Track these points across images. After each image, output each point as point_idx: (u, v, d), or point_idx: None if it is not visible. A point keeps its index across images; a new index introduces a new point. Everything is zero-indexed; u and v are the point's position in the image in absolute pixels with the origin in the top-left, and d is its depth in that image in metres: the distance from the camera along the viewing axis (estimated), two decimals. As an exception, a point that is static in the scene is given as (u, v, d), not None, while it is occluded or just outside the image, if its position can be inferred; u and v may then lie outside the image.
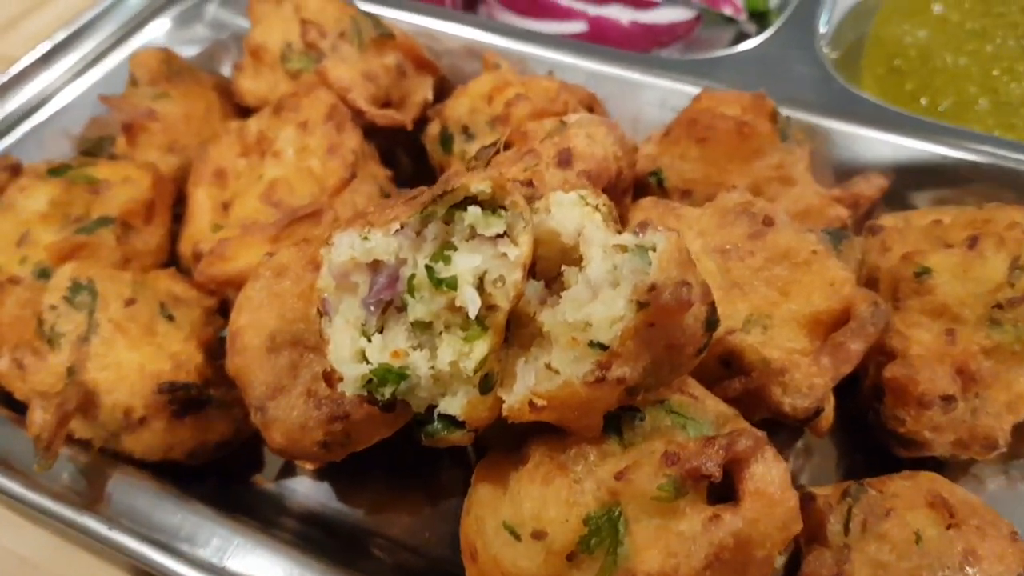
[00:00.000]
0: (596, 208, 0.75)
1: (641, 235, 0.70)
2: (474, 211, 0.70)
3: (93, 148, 1.21)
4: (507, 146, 0.94)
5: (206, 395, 0.86)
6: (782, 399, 0.80)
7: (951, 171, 1.07)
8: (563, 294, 0.71)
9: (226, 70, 1.35)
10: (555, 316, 0.71)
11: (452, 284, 0.70)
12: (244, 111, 1.17)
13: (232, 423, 0.88)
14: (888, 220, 0.96)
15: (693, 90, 1.17)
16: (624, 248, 0.71)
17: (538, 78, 1.13)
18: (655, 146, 1.04)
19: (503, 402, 0.70)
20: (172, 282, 0.94)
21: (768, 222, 0.87)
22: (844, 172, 1.11)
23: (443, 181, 0.74)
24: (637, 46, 1.38)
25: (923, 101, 1.21)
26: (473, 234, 0.71)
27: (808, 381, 0.80)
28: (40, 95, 1.25)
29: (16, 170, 1.04)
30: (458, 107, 1.09)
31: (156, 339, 0.87)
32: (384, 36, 1.13)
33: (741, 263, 0.85)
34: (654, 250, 0.69)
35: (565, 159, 0.88)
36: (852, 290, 0.82)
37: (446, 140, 1.10)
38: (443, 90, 1.24)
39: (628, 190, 0.95)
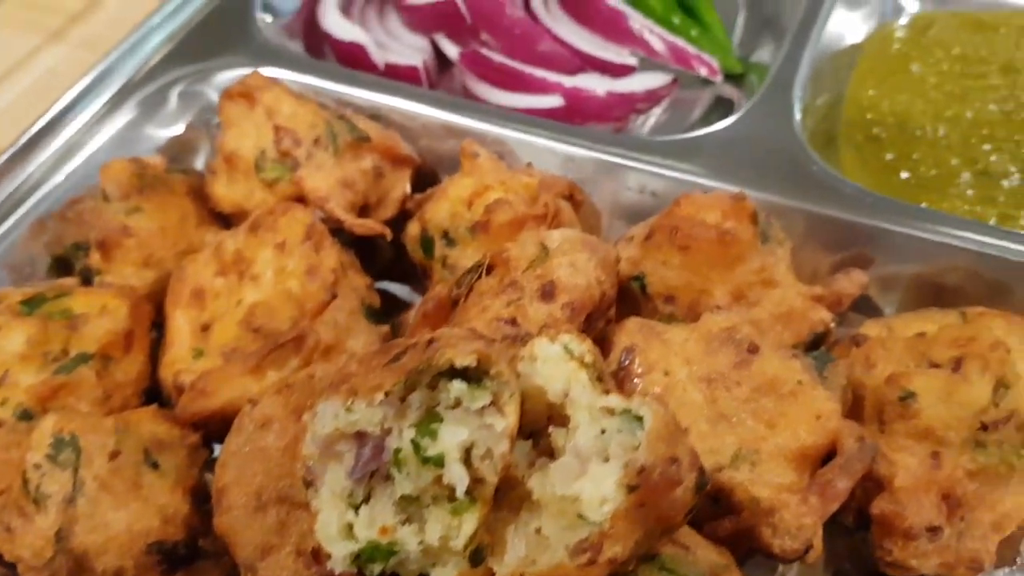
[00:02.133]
0: (582, 362, 0.74)
1: (629, 400, 0.70)
2: (459, 386, 0.70)
3: (67, 254, 1.19)
4: (490, 268, 0.94)
5: (195, 548, 0.86)
6: (772, 540, 0.81)
7: (931, 256, 1.08)
8: (551, 465, 0.71)
9: (199, 160, 1.33)
10: (544, 486, 0.71)
11: (439, 461, 0.70)
12: (220, 213, 1.16)
13: (223, 572, 0.88)
14: (872, 329, 0.96)
15: (672, 173, 1.17)
16: (611, 411, 0.71)
17: (518, 174, 1.11)
18: (637, 249, 1.03)
19: (494, 572, 0.71)
20: (155, 423, 0.93)
21: (753, 349, 0.87)
22: (828, 261, 1.11)
23: (427, 348, 0.73)
24: (615, 115, 1.37)
25: (904, 175, 1.20)
26: (458, 403, 0.71)
27: (797, 522, 0.81)
28: (13, 196, 1.24)
29: (-12, 302, 1.02)
30: (438, 211, 1.08)
31: (142, 492, 0.87)
32: (360, 139, 1.11)
33: (728, 393, 0.85)
34: (641, 420, 0.69)
35: (548, 292, 0.87)
36: (838, 423, 0.82)
37: (427, 244, 1.09)
38: (421, 175, 1.23)
39: (611, 306, 0.95)
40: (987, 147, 1.20)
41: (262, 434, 0.85)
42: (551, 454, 0.73)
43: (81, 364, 0.97)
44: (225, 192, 1.13)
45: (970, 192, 1.16)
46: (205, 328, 1.03)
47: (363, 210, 1.13)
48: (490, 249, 1.05)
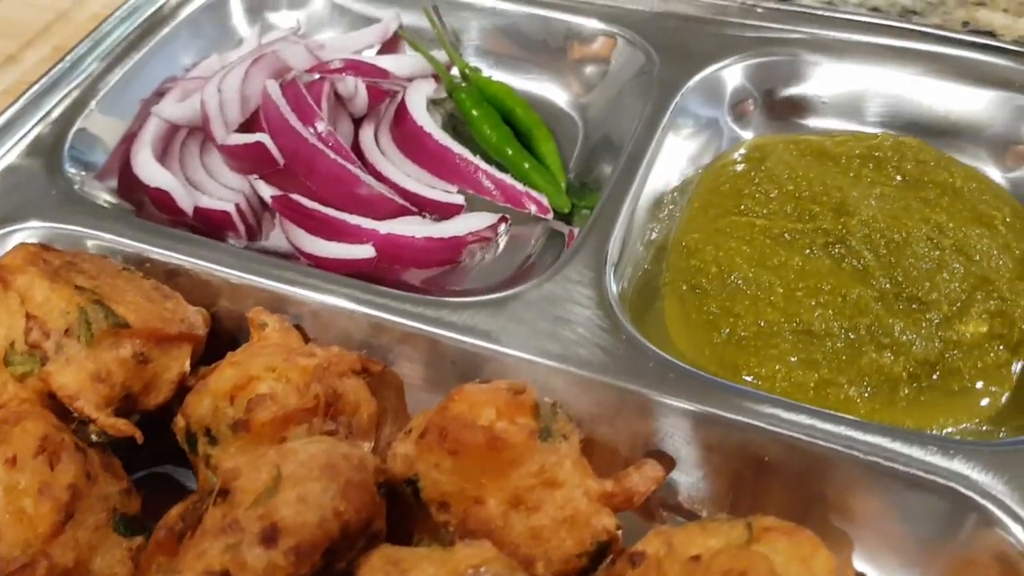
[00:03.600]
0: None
1: None
2: None
3: None
4: (223, 492, 0.85)
5: None
6: None
7: (741, 436, 1.00)
8: None
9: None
10: None
11: None
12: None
13: None
14: (652, 544, 0.87)
15: (473, 340, 1.09)
16: None
17: (295, 356, 1.03)
18: (412, 446, 0.94)
19: None
20: None
21: (499, 593, 0.78)
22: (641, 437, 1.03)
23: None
24: (438, 259, 1.29)
25: (725, 331, 1.13)
26: None
27: None
28: None
29: None
30: (200, 406, 0.99)
31: None
32: (117, 325, 1.02)
33: (470, 646, 0.76)
34: None
35: (270, 536, 0.78)
36: None
37: (190, 440, 1.00)
38: (220, 340, 1.15)
39: (365, 534, 0.86)
40: (812, 302, 1.12)
41: None
42: None
43: None
44: (-25, 383, 1.03)
45: (792, 357, 1.09)
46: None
47: (128, 399, 1.03)
48: (252, 449, 0.98)
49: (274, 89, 1.36)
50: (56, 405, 1.01)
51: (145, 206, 1.38)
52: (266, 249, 1.36)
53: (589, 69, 1.47)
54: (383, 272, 1.28)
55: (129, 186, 1.39)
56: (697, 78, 1.36)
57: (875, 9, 1.60)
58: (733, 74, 1.37)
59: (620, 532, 0.92)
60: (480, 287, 1.26)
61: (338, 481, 0.83)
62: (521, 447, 0.90)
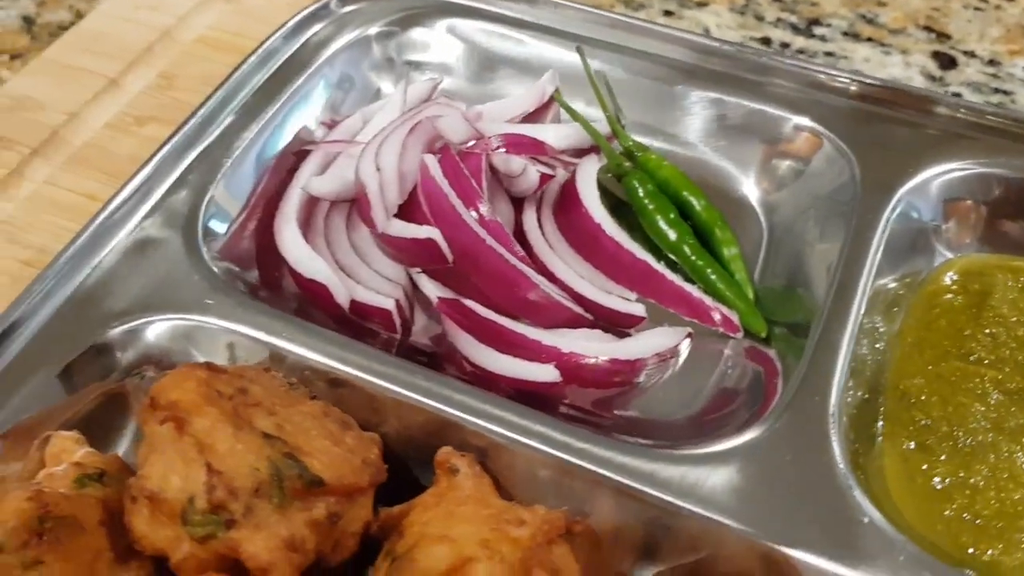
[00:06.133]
0: None
1: None
2: None
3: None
4: None
5: None
6: None
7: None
8: None
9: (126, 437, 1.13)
10: None
11: None
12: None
13: None
14: None
15: (674, 498, 0.98)
16: None
17: (505, 525, 0.91)
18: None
19: None
20: None
21: None
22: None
23: None
24: (617, 382, 1.17)
25: (958, 505, 1.01)
26: None
27: None
28: None
29: None
30: (405, 585, 0.88)
31: None
32: (311, 484, 0.90)
33: None
34: None
35: None
36: None
37: (391, 619, 0.89)
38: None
39: None
40: (1063, 476, 1.01)
41: None
42: None
43: None
44: (147, 531, 0.92)
45: (1042, 554, 0.98)
46: None
47: (316, 563, 0.92)
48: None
49: (435, 168, 1.23)
50: (234, 566, 0.90)
51: (273, 279, 1.26)
52: (415, 346, 1.24)
53: (780, 165, 1.34)
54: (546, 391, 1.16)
55: (268, 264, 1.27)
56: (910, 185, 1.23)
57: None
58: (950, 183, 1.24)
59: None
60: (667, 419, 1.15)
61: None
62: None
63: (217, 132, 1.34)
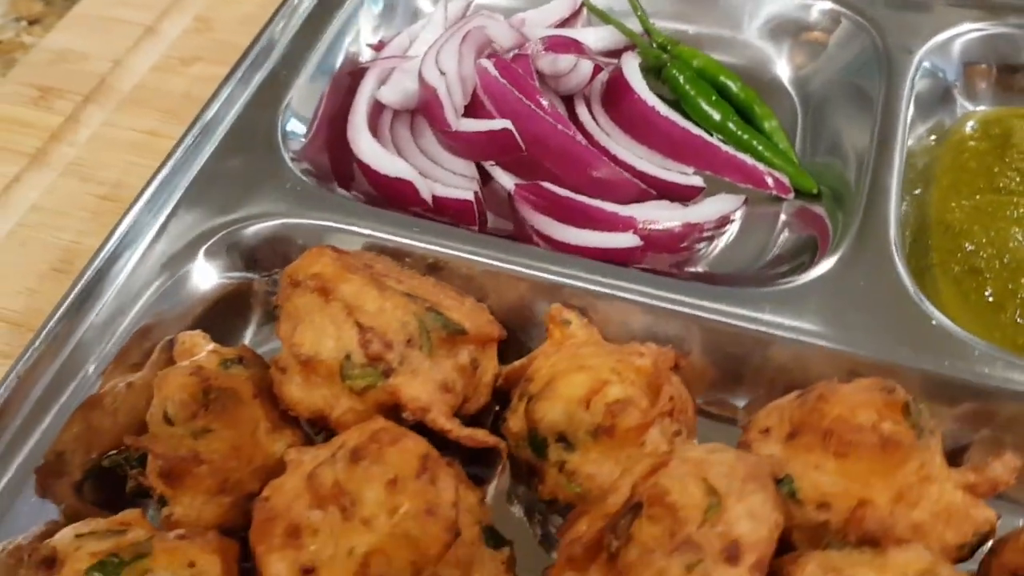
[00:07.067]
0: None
1: None
2: None
3: (113, 466, 1.05)
4: (639, 506, 0.84)
5: None
6: None
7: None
8: None
9: (248, 332, 1.20)
10: None
11: None
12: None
13: None
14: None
15: (766, 329, 1.09)
16: None
17: (628, 356, 1.01)
18: (780, 448, 0.94)
19: None
20: None
21: (955, 589, 0.79)
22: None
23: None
24: (688, 248, 1.27)
25: (1015, 313, 1.14)
26: None
27: None
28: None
29: (51, 564, 0.88)
30: (550, 411, 0.97)
31: None
32: (455, 332, 0.99)
33: (940, 647, 0.78)
34: None
35: (733, 555, 0.78)
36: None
37: (538, 446, 0.99)
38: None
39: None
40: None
41: None
42: None
43: (180, 644, 0.84)
44: (302, 396, 1.00)
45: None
46: (307, 572, 0.90)
47: (460, 407, 1.01)
48: (614, 453, 0.97)
49: (493, 70, 1.31)
50: (389, 414, 0.99)
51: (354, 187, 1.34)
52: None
53: (805, 43, 1.45)
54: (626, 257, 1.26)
55: (344, 173, 1.34)
56: (930, 44, 1.35)
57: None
58: (969, 42, 1.36)
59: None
60: (738, 274, 1.25)
61: (768, 491, 0.83)
62: (908, 448, 0.91)
63: (278, 55, 1.40)
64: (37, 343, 1.09)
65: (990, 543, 0.94)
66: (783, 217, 1.32)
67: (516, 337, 1.17)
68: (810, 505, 0.93)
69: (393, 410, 0.98)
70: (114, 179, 1.43)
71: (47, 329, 1.10)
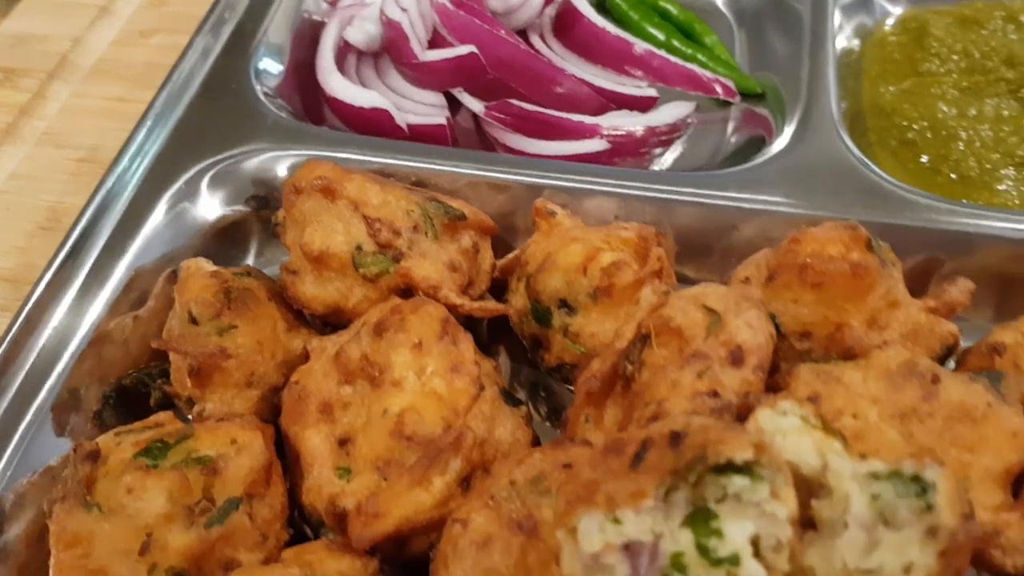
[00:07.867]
0: (825, 430, 0.75)
1: (898, 463, 0.71)
2: (740, 481, 0.69)
3: (133, 384, 1.10)
4: (646, 338, 0.92)
5: None
6: (1004, 560, 0.83)
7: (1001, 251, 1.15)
8: (836, 540, 0.71)
9: (249, 254, 1.26)
10: (830, 561, 0.71)
11: (734, 560, 0.68)
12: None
13: None
14: (1006, 335, 1.00)
15: (734, 204, 1.18)
16: (876, 476, 0.72)
17: (614, 230, 1.10)
18: (761, 291, 1.04)
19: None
20: (335, 559, 0.87)
21: (935, 379, 0.89)
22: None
23: (675, 443, 0.71)
24: (646, 151, 1.37)
25: (951, 174, 1.26)
26: (725, 495, 0.70)
27: (1022, 537, 0.84)
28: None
29: (96, 457, 0.92)
30: (551, 281, 1.05)
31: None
32: (456, 218, 1.06)
33: (923, 427, 0.87)
34: (918, 480, 0.70)
35: (738, 358, 0.87)
36: (1033, 438, 0.86)
37: (542, 316, 1.06)
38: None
39: (772, 358, 0.95)
40: (1015, 139, 1.27)
41: (486, 554, 0.81)
42: (810, 527, 0.73)
43: (232, 511, 0.89)
44: (317, 293, 1.06)
45: (1021, 185, 1.24)
46: (343, 443, 0.96)
47: (467, 290, 1.08)
48: (613, 312, 1.05)
49: (449, 4, 1.40)
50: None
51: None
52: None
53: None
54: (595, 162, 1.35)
55: (312, 107, 1.41)
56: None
57: None
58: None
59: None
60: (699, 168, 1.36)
61: (760, 308, 0.92)
62: (875, 274, 1.02)
63: (241, 10, 1.46)
64: (47, 276, 1.13)
65: (954, 358, 1.04)
66: (732, 122, 1.43)
67: (503, 241, 1.24)
68: (793, 337, 1.03)
69: (403, 295, 1.04)
70: (90, 143, 1.46)
71: (55, 266, 1.14)
